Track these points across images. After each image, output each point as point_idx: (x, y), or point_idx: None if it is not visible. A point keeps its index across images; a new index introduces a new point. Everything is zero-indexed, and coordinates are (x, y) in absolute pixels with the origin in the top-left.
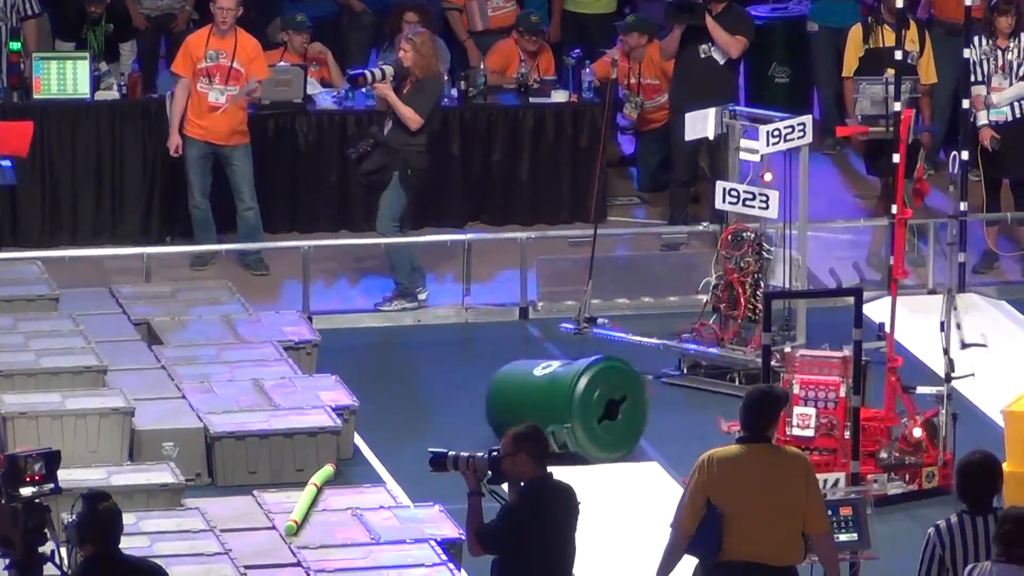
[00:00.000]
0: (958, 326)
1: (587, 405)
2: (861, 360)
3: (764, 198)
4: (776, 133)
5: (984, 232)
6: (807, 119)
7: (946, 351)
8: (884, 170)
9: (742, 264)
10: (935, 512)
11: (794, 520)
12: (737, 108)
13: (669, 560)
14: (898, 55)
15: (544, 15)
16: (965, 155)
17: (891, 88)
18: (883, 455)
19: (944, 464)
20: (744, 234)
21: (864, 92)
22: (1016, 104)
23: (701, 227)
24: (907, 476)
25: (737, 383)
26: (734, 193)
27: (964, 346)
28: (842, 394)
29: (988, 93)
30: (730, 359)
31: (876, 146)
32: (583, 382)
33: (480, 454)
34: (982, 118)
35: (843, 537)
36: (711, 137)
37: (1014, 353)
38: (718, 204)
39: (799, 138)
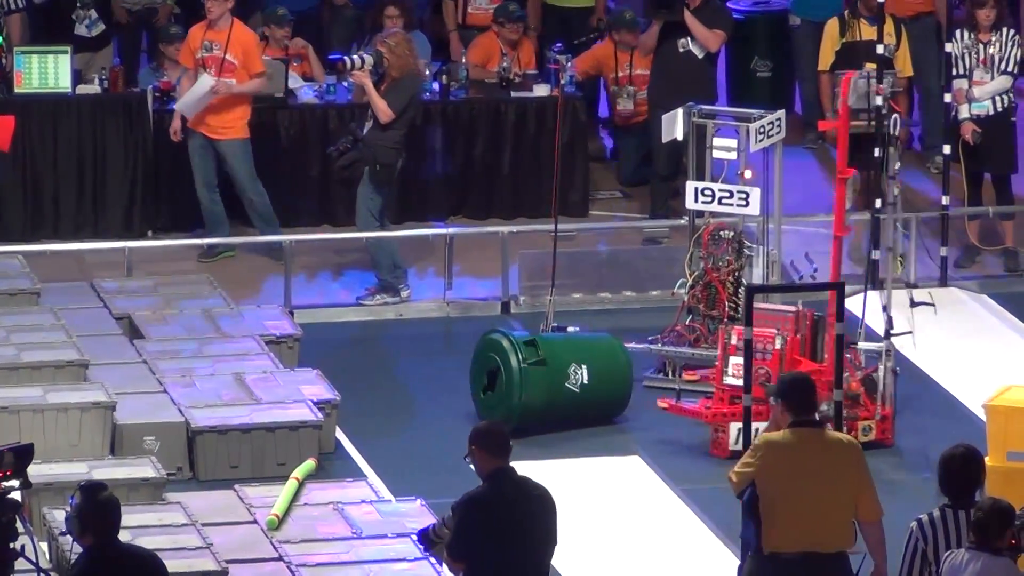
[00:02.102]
0: (906, 285)
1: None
2: (843, 354)
3: (744, 195)
4: (762, 130)
5: (966, 227)
6: (781, 114)
7: (885, 308)
8: (865, 164)
9: (720, 263)
10: (909, 496)
11: (845, 507)
12: (704, 107)
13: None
14: (880, 49)
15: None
16: (947, 149)
17: (873, 82)
18: (823, 408)
19: (882, 419)
20: (722, 232)
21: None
22: (997, 98)
23: (683, 221)
24: (843, 429)
25: None
26: (708, 192)
27: (914, 304)
28: (777, 346)
29: (970, 87)
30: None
31: (855, 140)
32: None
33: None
34: (963, 112)
35: None
36: (679, 138)
37: (996, 348)
38: (689, 204)
39: (776, 134)
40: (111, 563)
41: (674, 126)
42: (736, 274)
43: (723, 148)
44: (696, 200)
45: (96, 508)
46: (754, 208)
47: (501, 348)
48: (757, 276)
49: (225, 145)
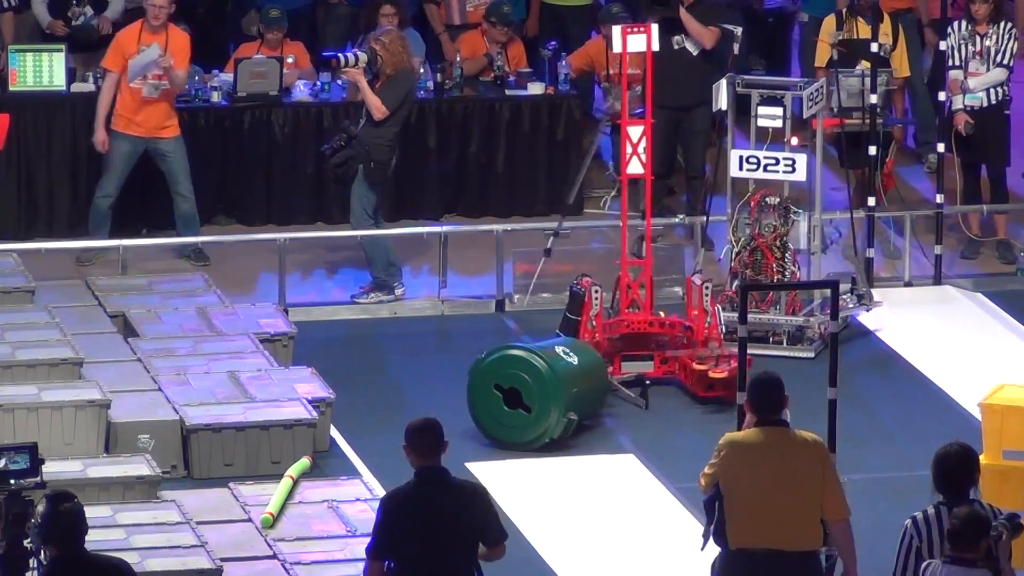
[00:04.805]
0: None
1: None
2: (837, 351)
3: (790, 162)
4: (811, 96)
5: (959, 220)
6: (823, 81)
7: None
8: (859, 162)
9: (767, 229)
10: (904, 493)
11: (811, 506)
12: (747, 77)
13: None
14: (874, 47)
15: (522, 7)
16: (941, 147)
17: (867, 80)
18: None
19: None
20: (768, 198)
21: (841, 84)
22: (992, 90)
23: (677, 219)
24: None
25: (785, 343)
26: (753, 160)
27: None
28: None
29: (965, 78)
30: (774, 323)
31: (850, 138)
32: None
33: None
34: (957, 103)
35: None
36: (724, 108)
37: (990, 346)
38: (734, 172)
39: (820, 101)
40: (74, 574)
41: (718, 96)
42: (782, 239)
43: (768, 116)
44: (741, 168)
45: (55, 519)
46: (801, 174)
47: (546, 394)
48: (802, 240)
49: (168, 143)
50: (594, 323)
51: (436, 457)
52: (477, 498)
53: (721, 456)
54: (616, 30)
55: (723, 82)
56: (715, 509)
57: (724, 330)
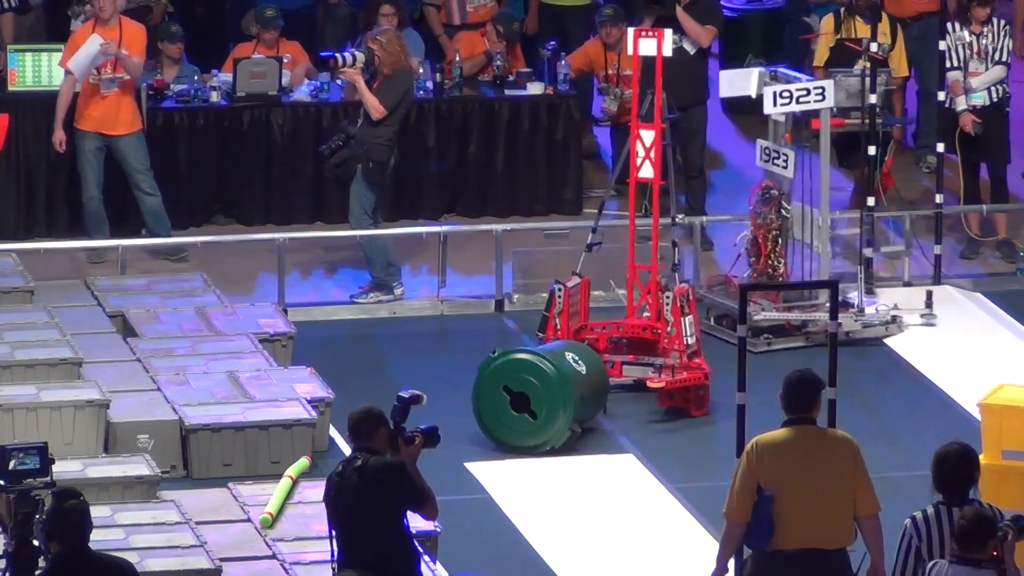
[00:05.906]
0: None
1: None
2: (836, 351)
3: (784, 157)
4: (785, 94)
5: (962, 220)
6: (826, 83)
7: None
8: (857, 162)
9: (767, 220)
10: (903, 493)
11: (844, 502)
12: (779, 69)
13: (727, 550)
14: (873, 47)
15: (521, 7)
16: (941, 147)
17: (866, 80)
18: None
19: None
20: (771, 191)
21: (840, 84)
22: (992, 89)
23: (677, 220)
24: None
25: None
26: (768, 151)
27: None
28: None
29: (966, 78)
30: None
31: (848, 138)
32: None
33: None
34: (961, 103)
35: None
36: (753, 95)
37: (990, 346)
38: (758, 162)
39: (815, 101)
40: (76, 571)
41: (745, 83)
42: (775, 233)
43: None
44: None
45: (59, 515)
46: (790, 171)
47: (555, 403)
48: (798, 236)
49: (124, 141)
50: (558, 321)
51: (369, 440)
52: (389, 474)
53: (754, 457)
54: (630, 32)
55: (754, 71)
56: (760, 510)
57: (689, 340)
